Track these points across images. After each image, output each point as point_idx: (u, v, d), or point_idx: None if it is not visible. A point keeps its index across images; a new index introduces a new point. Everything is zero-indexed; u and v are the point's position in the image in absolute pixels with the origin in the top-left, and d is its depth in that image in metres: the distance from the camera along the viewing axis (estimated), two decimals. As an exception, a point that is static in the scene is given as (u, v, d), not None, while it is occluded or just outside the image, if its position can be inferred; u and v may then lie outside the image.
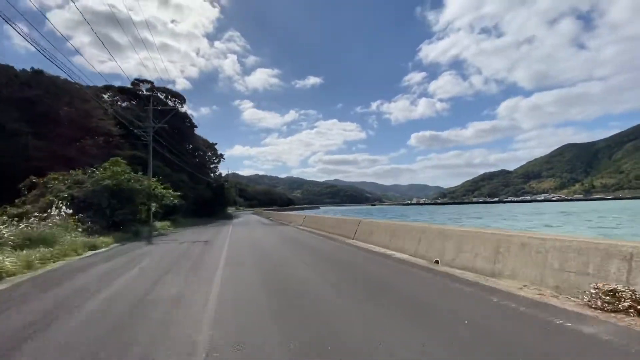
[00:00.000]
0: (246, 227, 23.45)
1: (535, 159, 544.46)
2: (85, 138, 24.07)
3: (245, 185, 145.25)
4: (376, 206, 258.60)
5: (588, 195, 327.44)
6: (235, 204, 76.33)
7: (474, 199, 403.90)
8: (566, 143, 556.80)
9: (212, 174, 45.34)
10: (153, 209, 19.59)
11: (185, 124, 38.66)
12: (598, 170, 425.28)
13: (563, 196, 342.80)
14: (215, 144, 48.26)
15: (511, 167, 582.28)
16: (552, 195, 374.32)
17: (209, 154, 46.06)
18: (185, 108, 40.28)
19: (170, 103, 38.22)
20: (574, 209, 78.16)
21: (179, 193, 24.79)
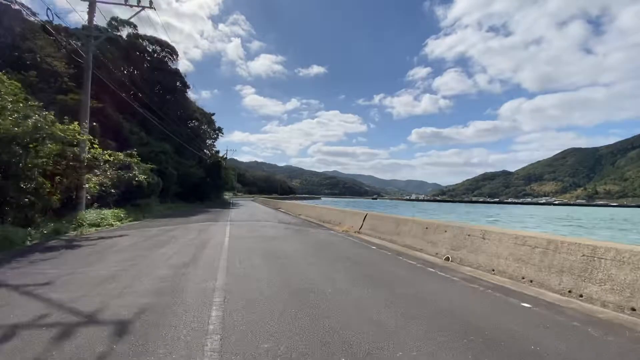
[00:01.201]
0: (256, 227, 14.46)
1: (538, 162, 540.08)
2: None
3: (244, 170, 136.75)
4: (378, 200, 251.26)
5: (591, 200, 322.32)
6: (234, 189, 67.99)
7: (474, 198, 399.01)
8: (569, 147, 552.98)
9: (206, 152, 36.98)
10: (88, 185, 11.29)
11: (175, 82, 30.09)
12: (601, 176, 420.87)
13: (565, 200, 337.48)
14: (213, 114, 39.75)
15: (510, 168, 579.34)
16: (554, 199, 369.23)
17: (204, 126, 37.65)
18: (177, 64, 31.62)
19: (157, 54, 29.50)
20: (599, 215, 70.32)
21: (151, 166, 16.57)
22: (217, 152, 42.22)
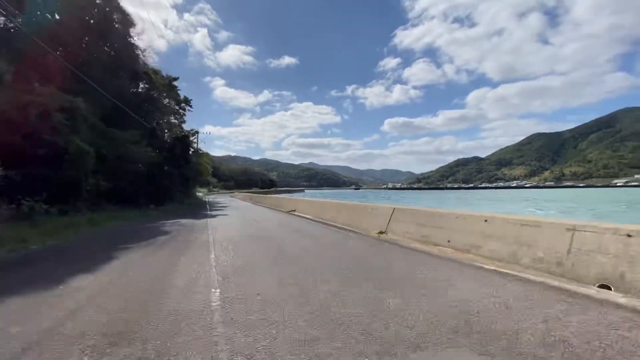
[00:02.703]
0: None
1: (507, 147, 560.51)
2: None
3: (219, 163, 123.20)
4: (360, 190, 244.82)
5: (559, 182, 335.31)
6: (209, 184, 56.32)
7: (449, 185, 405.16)
8: (535, 133, 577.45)
9: (167, 132, 25.46)
10: None
11: (111, 16, 18.74)
12: (565, 159, 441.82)
13: (534, 183, 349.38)
14: (176, 78, 28.30)
15: (478, 154, 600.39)
16: (525, 182, 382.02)
17: (164, 97, 26.30)
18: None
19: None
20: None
21: None
22: (187, 134, 30.96)
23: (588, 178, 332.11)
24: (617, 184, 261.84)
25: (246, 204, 26.55)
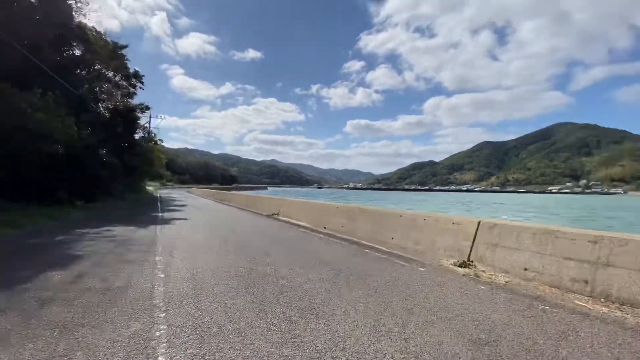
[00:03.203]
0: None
1: (459, 153, 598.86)
2: None
3: (175, 155, 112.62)
4: (323, 189, 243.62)
5: (503, 187, 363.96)
6: (162, 177, 49.75)
7: (406, 186, 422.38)
8: (483, 141, 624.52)
9: (104, 105, 19.91)
10: None
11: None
12: (509, 166, 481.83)
13: (483, 187, 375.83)
14: (124, 46, 22.83)
15: (432, 159, 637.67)
16: (474, 186, 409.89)
17: (107, 67, 21.05)
18: None
19: None
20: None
21: None
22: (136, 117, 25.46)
23: (528, 184, 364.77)
24: (552, 191, 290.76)
25: (208, 202, 22.30)
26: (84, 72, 19.37)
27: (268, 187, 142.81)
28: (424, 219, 5.60)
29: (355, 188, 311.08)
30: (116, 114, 17.16)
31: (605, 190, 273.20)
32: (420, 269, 4.48)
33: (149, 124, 29.43)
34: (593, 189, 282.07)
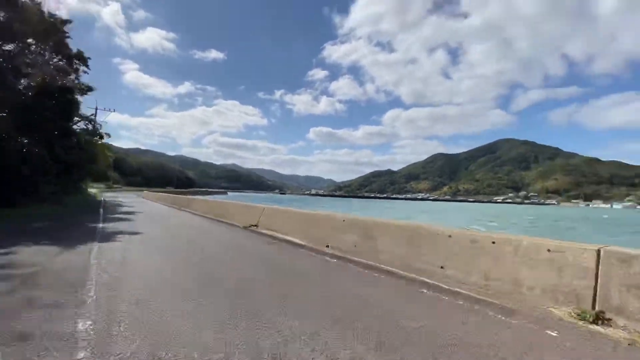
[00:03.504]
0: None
1: (415, 163, 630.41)
2: None
3: (125, 155, 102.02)
4: (286, 195, 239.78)
5: (455, 197, 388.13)
6: (108, 179, 43.94)
7: (366, 194, 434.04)
8: (437, 153, 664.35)
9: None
10: None
11: None
12: (459, 177, 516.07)
13: (436, 196, 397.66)
14: (68, 22, 18.96)
15: (392, 168, 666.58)
16: (428, 195, 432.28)
17: (38, 43, 17.20)
18: None
19: None
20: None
21: None
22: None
23: (477, 194, 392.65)
24: (497, 200, 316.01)
25: (163, 208, 19.25)
26: (10, 46, 15.59)
27: (228, 192, 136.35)
28: (493, 242, 4.04)
29: (317, 194, 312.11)
30: (45, 94, 13.58)
31: (542, 201, 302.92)
32: (514, 321, 2.88)
33: (95, 115, 25.39)
34: (531, 200, 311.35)
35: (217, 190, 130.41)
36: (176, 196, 23.40)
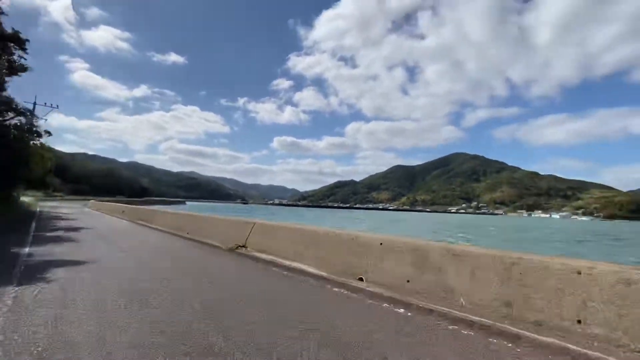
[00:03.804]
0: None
1: (376, 174, 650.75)
2: None
3: (69, 160, 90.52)
4: (249, 204, 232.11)
5: (413, 207, 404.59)
6: (47, 186, 38.00)
7: (330, 204, 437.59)
8: (396, 164, 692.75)
9: None
10: None
11: None
12: (417, 188, 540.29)
13: (396, 206, 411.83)
14: None
15: (354, 178, 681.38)
16: (388, 205, 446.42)
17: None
18: None
19: None
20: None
21: None
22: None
23: (433, 204, 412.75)
24: (452, 211, 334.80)
25: (116, 222, 16.29)
26: None
27: (187, 202, 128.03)
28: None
29: (281, 204, 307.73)
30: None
31: (491, 211, 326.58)
32: None
33: (33, 110, 21.54)
34: (482, 210, 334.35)
35: (174, 200, 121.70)
36: (132, 207, 20.23)
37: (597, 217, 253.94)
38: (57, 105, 27.04)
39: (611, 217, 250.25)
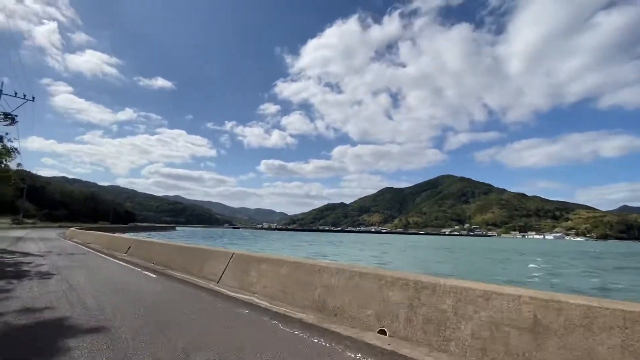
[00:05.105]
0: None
1: (366, 196, 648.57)
2: None
3: (46, 183, 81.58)
4: (240, 229, 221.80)
5: (406, 229, 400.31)
6: (17, 211, 31.12)
7: (320, 227, 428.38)
8: (385, 187, 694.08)
9: None
10: None
11: None
12: (407, 210, 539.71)
13: (389, 229, 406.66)
14: None
15: (341, 201, 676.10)
16: (381, 228, 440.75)
17: None
18: None
19: None
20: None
21: None
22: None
23: (425, 227, 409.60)
24: (445, 233, 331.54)
25: (105, 262, 10.57)
26: None
27: (177, 228, 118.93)
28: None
29: (270, 228, 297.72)
30: None
31: (484, 232, 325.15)
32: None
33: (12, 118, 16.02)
34: (475, 232, 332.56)
35: (162, 225, 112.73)
36: (134, 239, 14.31)
37: (590, 237, 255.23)
38: (33, 98, 21.33)
39: (604, 237, 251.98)
